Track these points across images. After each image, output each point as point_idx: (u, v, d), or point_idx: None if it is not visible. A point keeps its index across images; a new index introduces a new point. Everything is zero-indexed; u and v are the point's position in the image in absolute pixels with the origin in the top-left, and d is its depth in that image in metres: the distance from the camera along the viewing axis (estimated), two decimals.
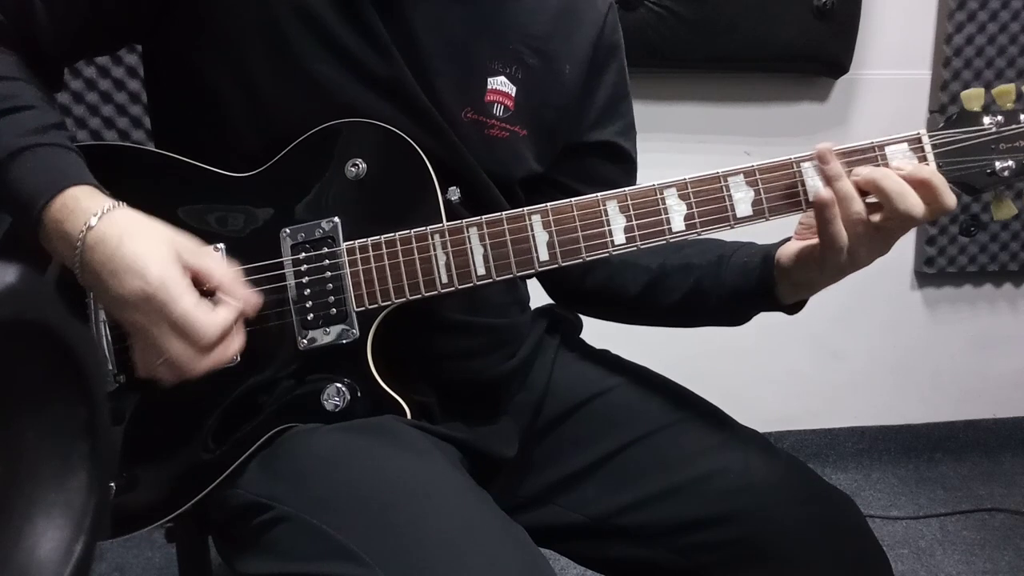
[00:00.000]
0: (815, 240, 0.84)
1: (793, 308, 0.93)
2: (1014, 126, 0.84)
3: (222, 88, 0.87)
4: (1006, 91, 0.85)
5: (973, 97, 0.85)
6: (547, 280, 1.09)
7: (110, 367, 0.86)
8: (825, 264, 0.83)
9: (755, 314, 0.96)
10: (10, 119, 0.79)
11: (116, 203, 0.78)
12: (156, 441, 0.87)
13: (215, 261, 0.81)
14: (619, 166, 1.07)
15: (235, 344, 0.80)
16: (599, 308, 1.10)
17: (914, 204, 0.79)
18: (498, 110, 0.94)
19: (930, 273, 2.24)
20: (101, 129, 1.86)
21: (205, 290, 0.78)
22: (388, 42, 0.87)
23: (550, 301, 1.13)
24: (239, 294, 0.80)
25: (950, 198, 0.81)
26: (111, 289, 0.75)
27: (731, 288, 0.93)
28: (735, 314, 0.97)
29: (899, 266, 2.25)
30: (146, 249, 0.76)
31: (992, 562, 1.92)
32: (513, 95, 0.95)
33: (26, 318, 0.50)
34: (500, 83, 0.94)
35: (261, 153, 0.87)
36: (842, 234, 0.81)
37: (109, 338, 0.87)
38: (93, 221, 0.75)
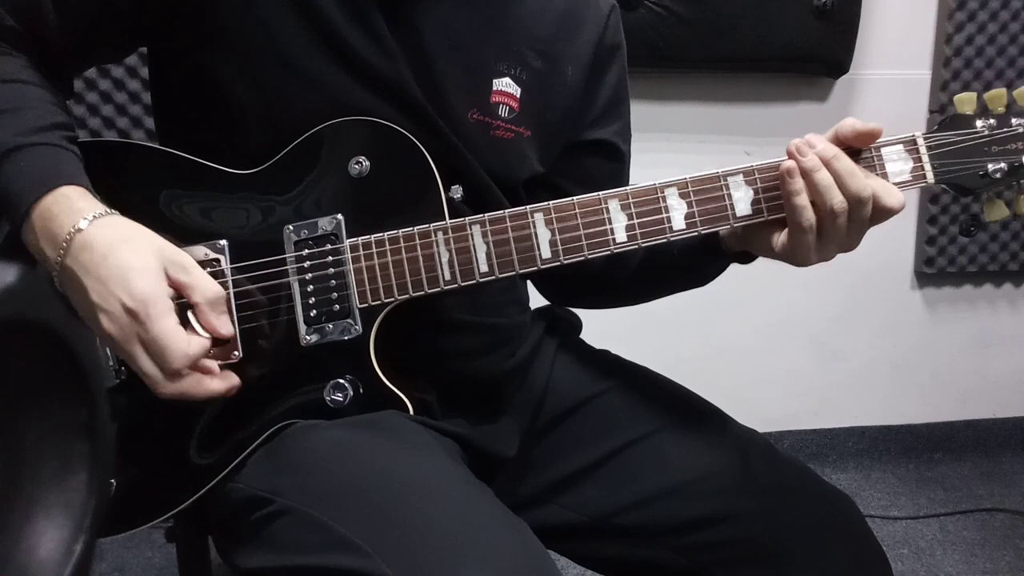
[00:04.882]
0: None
1: (745, 257, 0.93)
2: (1006, 129, 0.86)
3: (228, 86, 0.87)
4: (998, 96, 0.86)
5: (965, 101, 0.87)
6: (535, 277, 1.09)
7: (111, 363, 0.86)
8: (796, 247, 0.84)
9: (714, 270, 0.97)
10: (8, 118, 0.78)
11: (107, 209, 0.77)
12: (158, 437, 0.87)
13: (203, 279, 0.80)
14: (612, 165, 1.07)
15: (214, 384, 0.80)
16: (573, 294, 1.12)
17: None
18: (503, 111, 0.94)
19: (930, 273, 2.24)
20: (101, 129, 1.86)
21: (185, 303, 0.78)
22: (391, 42, 0.87)
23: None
24: (213, 323, 0.80)
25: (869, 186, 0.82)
26: (91, 294, 0.75)
27: (679, 246, 0.94)
28: (691, 271, 0.98)
29: (899, 266, 2.25)
30: (134, 261, 0.75)
31: (992, 562, 1.92)
32: (518, 96, 0.95)
33: (26, 318, 0.50)
34: (505, 84, 0.94)
35: (267, 151, 0.87)
36: (808, 211, 0.81)
37: None
38: (83, 224, 0.75)
